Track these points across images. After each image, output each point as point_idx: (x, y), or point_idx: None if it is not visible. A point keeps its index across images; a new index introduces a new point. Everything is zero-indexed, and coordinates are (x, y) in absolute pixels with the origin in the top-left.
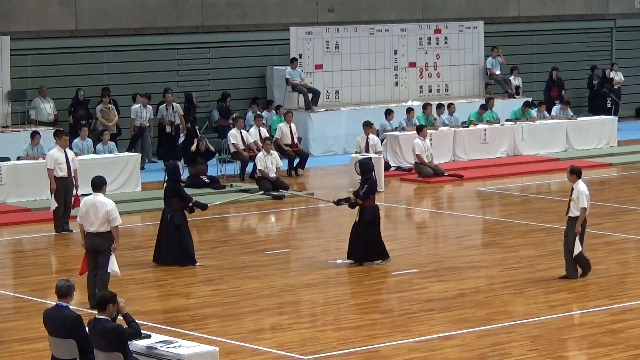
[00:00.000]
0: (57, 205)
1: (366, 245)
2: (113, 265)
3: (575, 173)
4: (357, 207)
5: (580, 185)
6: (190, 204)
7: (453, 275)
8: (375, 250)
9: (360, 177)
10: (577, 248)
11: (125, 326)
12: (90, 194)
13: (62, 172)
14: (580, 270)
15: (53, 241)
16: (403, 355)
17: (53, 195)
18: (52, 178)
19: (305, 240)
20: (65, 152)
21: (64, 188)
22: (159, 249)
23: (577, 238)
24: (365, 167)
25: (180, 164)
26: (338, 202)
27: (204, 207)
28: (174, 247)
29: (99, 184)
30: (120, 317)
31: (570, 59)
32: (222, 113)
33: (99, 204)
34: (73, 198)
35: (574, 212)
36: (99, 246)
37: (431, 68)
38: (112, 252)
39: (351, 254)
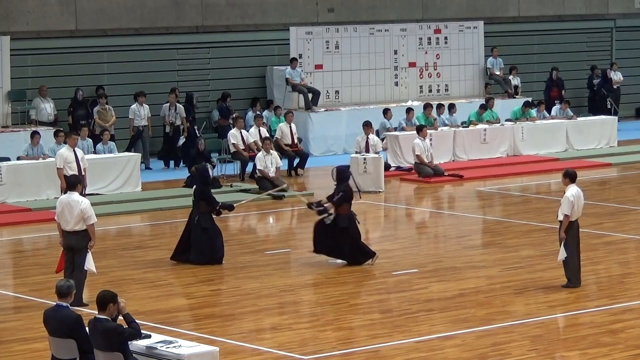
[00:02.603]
0: None
1: (351, 250)
2: (89, 263)
3: (569, 176)
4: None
5: (569, 191)
6: (217, 207)
7: (453, 275)
8: (360, 252)
9: (335, 183)
10: (561, 254)
11: (125, 326)
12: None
13: (72, 171)
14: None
15: (53, 241)
16: (403, 355)
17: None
18: (61, 177)
19: (305, 240)
20: (74, 151)
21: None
22: (182, 249)
23: (562, 245)
24: (342, 175)
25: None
26: (310, 206)
27: (230, 208)
28: (204, 249)
29: (74, 183)
30: (120, 317)
31: (570, 59)
32: (222, 113)
33: (73, 203)
34: None
35: (560, 217)
36: (76, 245)
37: (431, 68)
38: (88, 250)
39: (318, 246)
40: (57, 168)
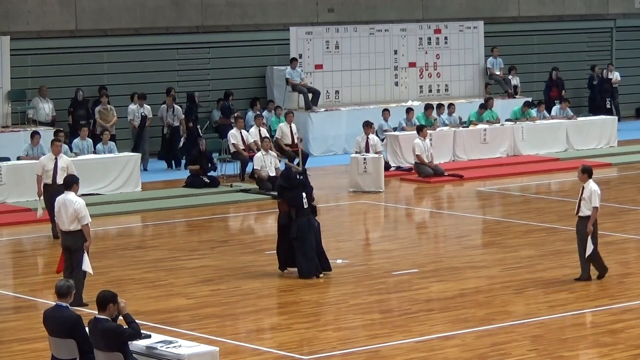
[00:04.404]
0: (42, 213)
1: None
2: (85, 265)
3: (587, 172)
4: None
5: (592, 185)
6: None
7: (453, 275)
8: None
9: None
10: (589, 248)
11: (125, 326)
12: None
13: (47, 179)
14: (596, 272)
15: (53, 241)
16: (403, 355)
17: (41, 199)
18: (39, 184)
19: None
20: (56, 159)
21: (50, 195)
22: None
23: (589, 238)
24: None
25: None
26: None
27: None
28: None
29: (70, 183)
30: (120, 318)
31: (570, 59)
32: (224, 112)
33: (68, 203)
34: None
35: (585, 212)
36: (72, 245)
37: (431, 68)
38: (84, 251)
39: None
40: (37, 175)
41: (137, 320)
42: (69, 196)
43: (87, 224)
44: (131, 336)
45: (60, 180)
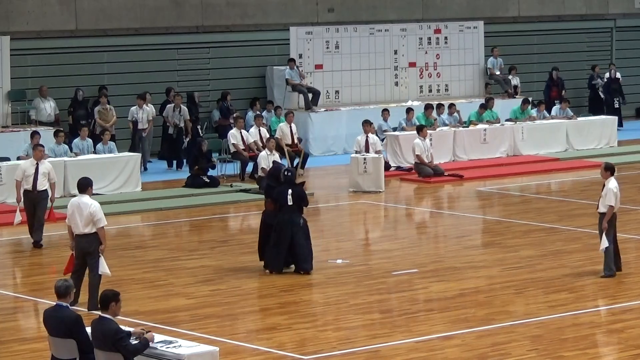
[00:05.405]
0: (20, 219)
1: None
2: (103, 267)
3: (609, 170)
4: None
5: (611, 183)
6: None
7: (453, 275)
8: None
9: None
10: (603, 244)
11: (127, 330)
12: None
13: (27, 185)
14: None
15: (53, 241)
16: (403, 355)
17: (20, 205)
18: (18, 190)
19: None
20: (37, 164)
21: (29, 201)
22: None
23: (604, 234)
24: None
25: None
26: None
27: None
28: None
29: (84, 185)
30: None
31: (570, 59)
32: (223, 112)
33: (83, 205)
34: (48, 211)
35: (602, 209)
36: (86, 248)
37: (431, 68)
38: (100, 254)
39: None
40: (16, 180)
41: (137, 320)
42: (84, 199)
43: (103, 227)
44: (127, 350)
45: (40, 187)
